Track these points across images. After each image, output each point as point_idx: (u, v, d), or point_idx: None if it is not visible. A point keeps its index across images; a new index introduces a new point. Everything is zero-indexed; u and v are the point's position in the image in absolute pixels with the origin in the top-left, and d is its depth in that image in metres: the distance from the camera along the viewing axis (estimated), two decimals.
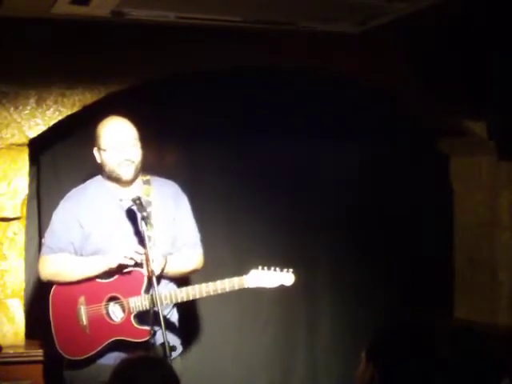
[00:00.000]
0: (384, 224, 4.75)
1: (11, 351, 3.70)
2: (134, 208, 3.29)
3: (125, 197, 3.37)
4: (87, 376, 3.29)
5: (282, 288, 3.56)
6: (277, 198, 4.56)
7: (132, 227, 3.37)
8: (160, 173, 4.23)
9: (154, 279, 3.15)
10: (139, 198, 3.27)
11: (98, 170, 3.46)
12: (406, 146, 4.77)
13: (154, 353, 3.27)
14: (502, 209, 4.64)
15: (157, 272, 3.23)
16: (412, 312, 4.55)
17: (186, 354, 4.17)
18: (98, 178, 3.48)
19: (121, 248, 3.29)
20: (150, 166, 4.26)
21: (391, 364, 2.19)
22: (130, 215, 3.37)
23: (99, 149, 3.38)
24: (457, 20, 3.90)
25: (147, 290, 3.25)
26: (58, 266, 3.35)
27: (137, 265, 3.28)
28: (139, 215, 3.24)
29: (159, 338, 3.21)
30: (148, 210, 3.31)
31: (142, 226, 3.24)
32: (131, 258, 3.25)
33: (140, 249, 3.25)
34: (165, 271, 3.35)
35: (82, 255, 3.37)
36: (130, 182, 3.41)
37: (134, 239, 3.35)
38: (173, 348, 3.21)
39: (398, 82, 4.38)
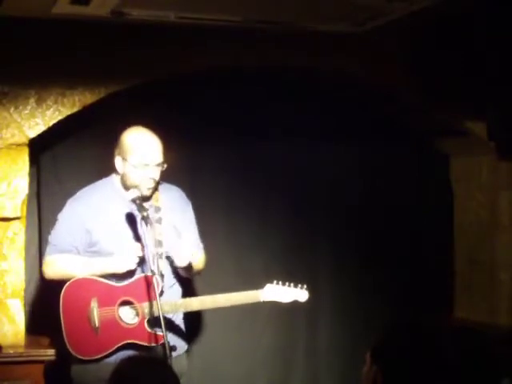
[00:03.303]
0: (384, 224, 4.74)
1: (11, 351, 3.69)
2: (134, 208, 3.29)
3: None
4: (95, 374, 3.28)
5: None
6: (277, 199, 4.56)
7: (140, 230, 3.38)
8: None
9: (155, 280, 3.16)
10: (139, 198, 3.27)
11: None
12: (406, 146, 4.77)
13: (154, 353, 3.30)
14: (502, 209, 4.64)
15: (185, 263, 3.29)
16: (412, 312, 4.55)
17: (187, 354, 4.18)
18: (109, 180, 3.46)
19: (126, 252, 3.30)
20: None
21: (393, 365, 2.19)
22: (131, 216, 3.38)
23: (125, 160, 3.34)
24: (457, 20, 3.90)
25: (160, 296, 3.25)
26: (64, 267, 3.36)
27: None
28: (139, 215, 3.25)
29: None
30: (157, 215, 3.32)
31: (142, 226, 3.24)
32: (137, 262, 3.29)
33: (139, 251, 3.28)
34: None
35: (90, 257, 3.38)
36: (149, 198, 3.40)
37: (145, 242, 3.33)
38: (173, 348, 3.22)
39: (398, 82, 4.38)
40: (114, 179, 3.44)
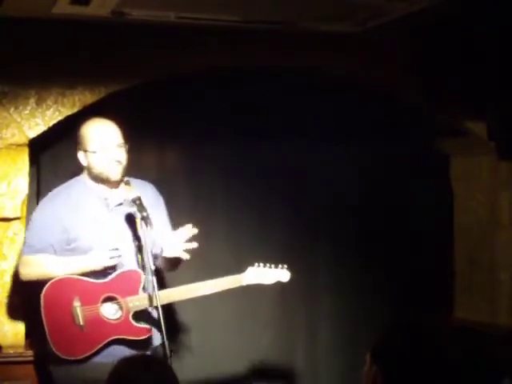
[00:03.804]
0: (384, 224, 4.74)
1: (11, 351, 3.70)
2: (134, 208, 3.29)
3: (110, 196, 3.40)
4: (76, 373, 3.29)
5: (282, 288, 3.58)
6: (277, 199, 4.56)
7: (118, 226, 3.38)
8: (160, 173, 4.24)
9: (155, 279, 3.17)
10: (139, 198, 3.28)
11: (81, 171, 3.46)
12: (406, 146, 4.77)
13: (153, 353, 3.30)
14: (502, 209, 4.64)
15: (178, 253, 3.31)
16: (412, 312, 4.55)
17: (187, 354, 4.19)
18: (80, 178, 3.48)
19: (102, 249, 3.29)
20: (149, 167, 4.28)
21: (393, 365, 2.19)
22: (128, 216, 3.38)
23: (86, 151, 3.38)
24: (457, 20, 3.90)
25: (144, 289, 3.29)
26: (39, 267, 3.36)
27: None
28: (139, 215, 3.25)
29: (156, 338, 3.32)
30: (132, 209, 3.33)
31: (142, 226, 3.24)
32: (114, 257, 3.29)
33: (119, 246, 3.29)
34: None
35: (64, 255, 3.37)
36: (119, 183, 3.41)
37: (122, 238, 3.36)
38: (173, 350, 3.23)
39: (398, 82, 4.38)
40: (84, 177, 3.47)
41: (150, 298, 3.26)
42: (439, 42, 4.15)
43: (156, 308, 3.25)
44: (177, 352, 3.41)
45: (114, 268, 3.33)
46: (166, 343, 3.14)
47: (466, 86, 4.17)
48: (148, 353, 3.27)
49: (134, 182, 3.50)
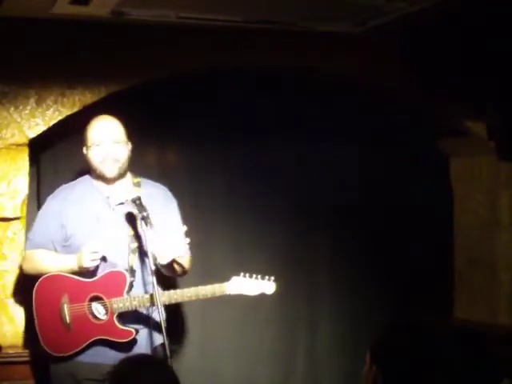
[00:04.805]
0: (384, 224, 4.74)
1: (11, 351, 3.70)
2: (134, 208, 3.29)
3: (112, 195, 3.41)
4: (65, 370, 3.33)
5: (282, 288, 3.56)
6: (277, 198, 4.56)
7: (117, 225, 3.38)
8: (161, 172, 4.23)
9: (154, 279, 3.16)
10: (139, 198, 3.28)
11: (87, 169, 3.51)
12: (406, 146, 4.77)
13: (153, 353, 3.30)
14: (502, 209, 4.64)
15: (166, 260, 3.28)
16: (412, 312, 4.55)
17: (187, 354, 4.18)
18: (87, 176, 3.53)
19: (86, 248, 3.28)
20: (150, 166, 4.28)
21: (393, 365, 2.19)
22: (129, 215, 3.38)
23: (86, 146, 3.44)
24: (457, 20, 3.90)
25: (129, 291, 3.30)
26: (36, 262, 3.41)
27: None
28: (139, 215, 3.25)
29: (157, 339, 3.35)
30: (133, 210, 3.33)
31: (142, 226, 3.24)
32: (95, 260, 3.28)
33: (97, 248, 3.26)
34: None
35: (64, 252, 3.40)
36: (115, 180, 3.44)
37: (119, 238, 3.37)
38: (172, 349, 3.23)
39: (398, 82, 4.38)
40: (90, 174, 3.52)
41: (135, 299, 3.28)
42: (439, 41, 4.15)
43: (156, 308, 3.25)
44: (177, 352, 3.38)
45: (101, 268, 3.33)
46: (167, 343, 3.13)
47: (466, 85, 4.17)
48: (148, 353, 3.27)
49: (146, 183, 3.52)
